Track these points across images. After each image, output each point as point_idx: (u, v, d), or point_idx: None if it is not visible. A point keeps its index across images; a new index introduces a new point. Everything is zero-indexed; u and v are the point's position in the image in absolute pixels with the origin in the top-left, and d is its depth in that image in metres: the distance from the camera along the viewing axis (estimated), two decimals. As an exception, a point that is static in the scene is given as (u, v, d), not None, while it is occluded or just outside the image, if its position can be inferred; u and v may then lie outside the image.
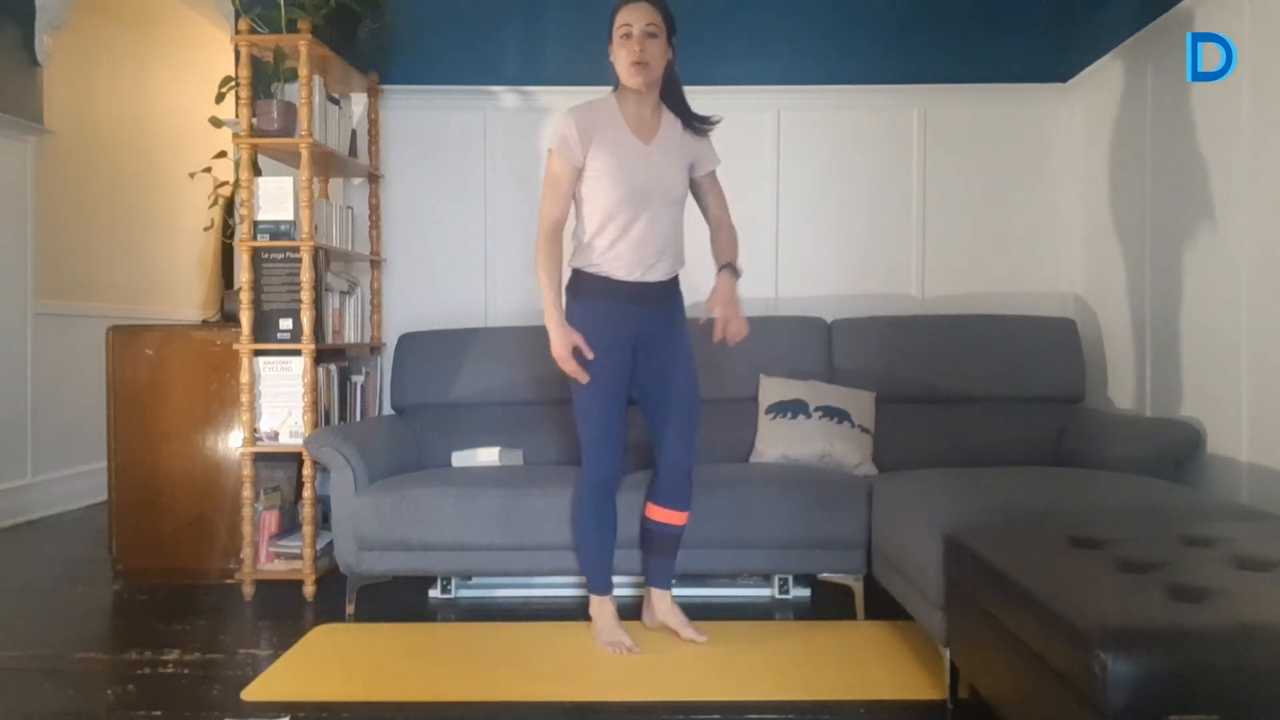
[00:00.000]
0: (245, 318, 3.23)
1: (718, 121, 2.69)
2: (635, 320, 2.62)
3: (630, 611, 2.89)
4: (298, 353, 3.25)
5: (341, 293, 3.60)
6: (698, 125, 2.66)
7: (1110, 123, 3.55)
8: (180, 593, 3.24)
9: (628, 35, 2.51)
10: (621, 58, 2.53)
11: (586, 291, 2.62)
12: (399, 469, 3.23)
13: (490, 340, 3.63)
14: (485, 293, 3.94)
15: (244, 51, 3.28)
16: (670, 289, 2.69)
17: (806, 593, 3.12)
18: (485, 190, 3.95)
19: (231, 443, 3.35)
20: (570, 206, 2.63)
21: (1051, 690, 1.60)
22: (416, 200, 3.95)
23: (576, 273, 2.66)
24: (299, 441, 3.21)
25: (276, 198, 3.28)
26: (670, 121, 2.65)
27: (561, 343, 2.55)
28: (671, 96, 2.65)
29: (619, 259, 2.58)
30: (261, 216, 3.27)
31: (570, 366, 2.56)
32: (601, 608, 2.73)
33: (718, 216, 2.75)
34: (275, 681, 2.44)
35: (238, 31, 3.30)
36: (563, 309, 2.58)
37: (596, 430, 2.65)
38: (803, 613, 3.01)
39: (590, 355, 2.56)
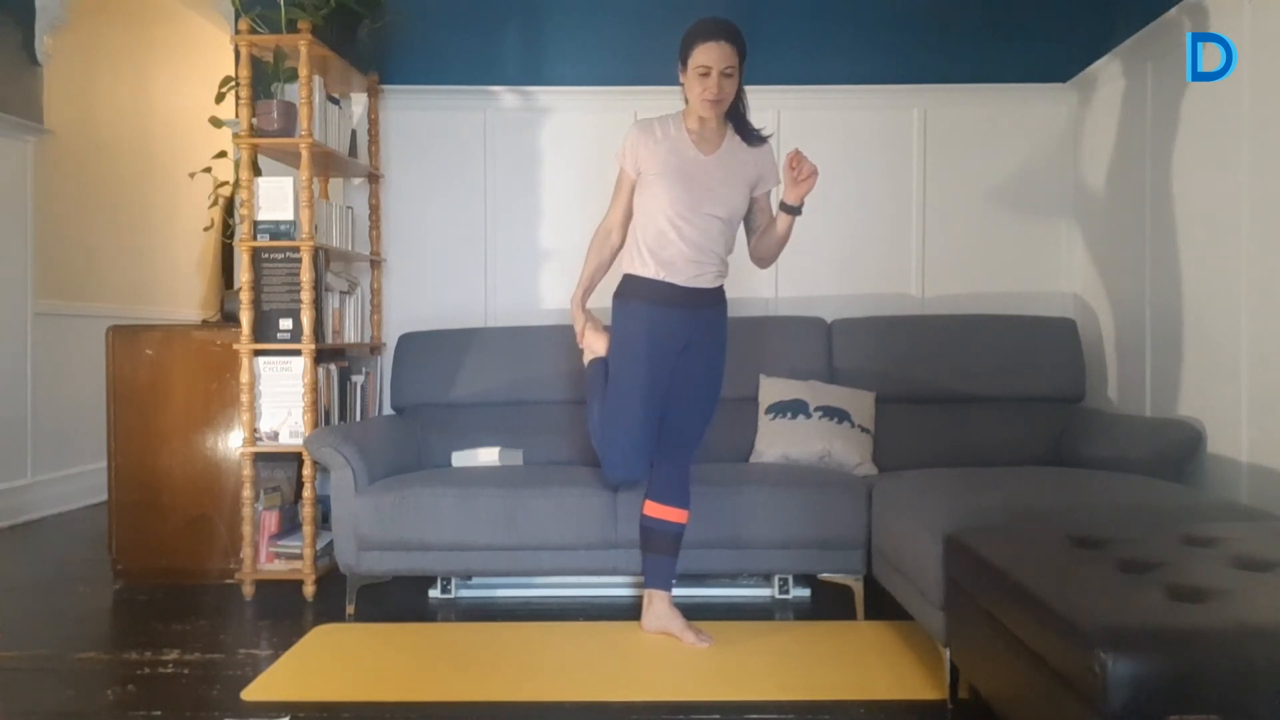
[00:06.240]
0: (245, 318, 3.23)
1: (769, 135, 2.73)
2: (681, 326, 2.68)
3: (630, 612, 2.90)
4: (298, 353, 3.25)
5: (341, 293, 3.60)
6: (749, 135, 2.69)
7: (1110, 123, 3.55)
8: (180, 593, 3.24)
9: (705, 75, 2.55)
10: (695, 91, 2.58)
11: (635, 295, 2.69)
12: (399, 469, 3.23)
13: (490, 340, 3.63)
14: (485, 293, 3.94)
15: (244, 51, 3.28)
16: (717, 296, 2.76)
17: (806, 593, 3.12)
18: (485, 190, 3.94)
19: (231, 443, 3.35)
20: (626, 214, 2.75)
21: (1051, 690, 1.59)
22: (416, 200, 3.95)
23: (627, 277, 2.73)
24: (299, 441, 3.21)
25: (276, 198, 3.28)
26: (735, 141, 2.70)
27: (576, 322, 2.87)
28: (732, 111, 2.67)
29: (669, 262, 2.64)
30: (261, 216, 3.27)
31: (583, 342, 2.88)
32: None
33: (764, 227, 2.77)
34: (275, 681, 2.44)
35: (238, 31, 3.30)
36: (586, 295, 2.84)
37: (629, 434, 2.70)
38: (803, 613, 3.01)
39: (598, 344, 2.83)
